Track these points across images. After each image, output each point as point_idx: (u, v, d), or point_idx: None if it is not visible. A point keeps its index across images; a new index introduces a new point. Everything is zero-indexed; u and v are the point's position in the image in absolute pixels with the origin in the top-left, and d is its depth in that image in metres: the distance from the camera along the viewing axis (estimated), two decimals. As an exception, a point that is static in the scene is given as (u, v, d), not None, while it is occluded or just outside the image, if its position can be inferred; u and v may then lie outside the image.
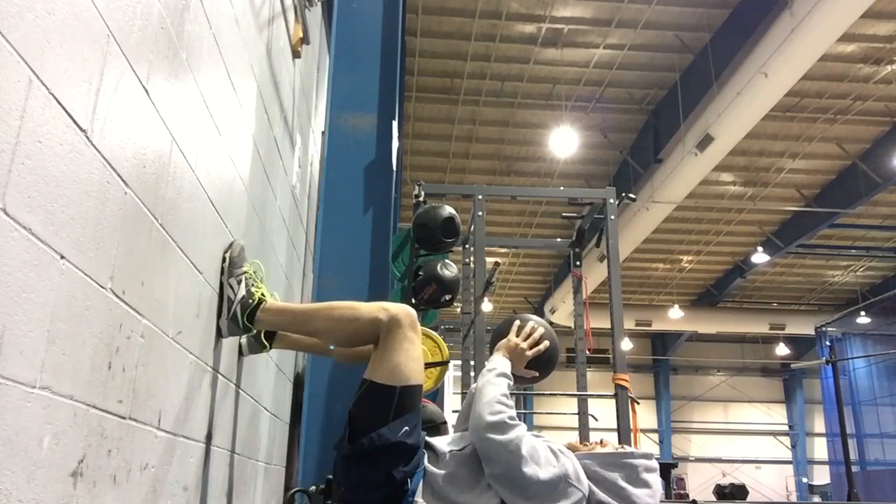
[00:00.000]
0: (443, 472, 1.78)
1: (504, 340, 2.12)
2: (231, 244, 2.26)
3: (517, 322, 2.17)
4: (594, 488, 1.78)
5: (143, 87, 1.52)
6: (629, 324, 17.69)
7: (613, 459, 1.85)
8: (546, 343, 2.13)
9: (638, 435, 3.41)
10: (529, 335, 2.12)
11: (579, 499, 1.73)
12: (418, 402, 1.83)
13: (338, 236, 3.18)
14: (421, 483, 1.74)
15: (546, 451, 1.77)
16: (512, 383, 1.98)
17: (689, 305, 19.14)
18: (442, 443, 1.89)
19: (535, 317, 2.22)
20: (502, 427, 1.76)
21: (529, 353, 2.10)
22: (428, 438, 1.88)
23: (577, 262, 4.42)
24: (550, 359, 2.16)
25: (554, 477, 1.72)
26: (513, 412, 1.83)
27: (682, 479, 21.11)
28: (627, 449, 1.94)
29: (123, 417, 1.47)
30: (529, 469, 1.71)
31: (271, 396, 3.32)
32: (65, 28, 1.19)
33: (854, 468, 9.23)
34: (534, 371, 2.13)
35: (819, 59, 8.40)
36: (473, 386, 2.03)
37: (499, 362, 2.03)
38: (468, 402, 2.03)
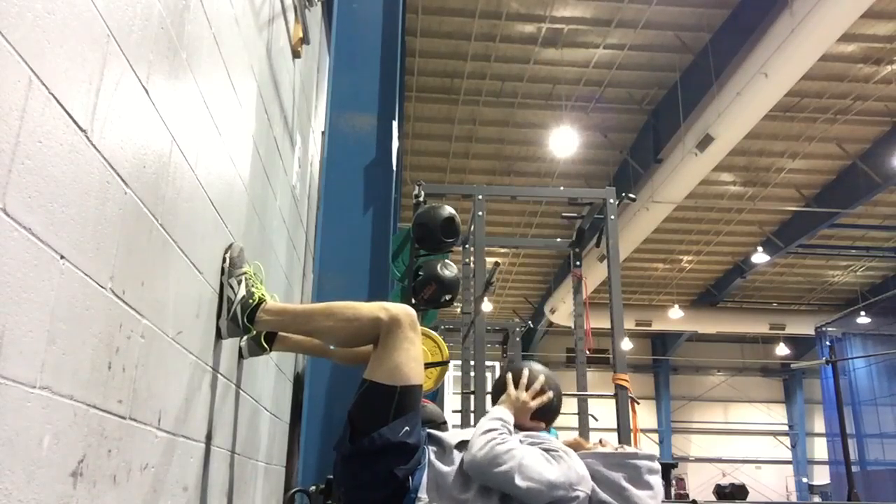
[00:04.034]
0: (449, 468, 1.77)
1: (504, 395, 2.00)
2: (231, 245, 2.26)
3: (509, 374, 2.05)
4: (596, 488, 1.78)
5: (143, 87, 1.52)
6: (629, 324, 17.67)
7: (617, 460, 1.84)
8: (549, 394, 2.02)
9: (638, 435, 3.41)
10: (530, 385, 2.01)
11: (581, 499, 1.72)
12: (418, 401, 1.83)
13: (338, 236, 3.18)
14: (424, 479, 1.74)
15: (540, 465, 1.72)
16: (511, 428, 1.89)
17: (689, 305, 19.13)
18: (449, 437, 1.88)
19: (534, 364, 2.10)
20: (495, 460, 1.71)
21: (533, 404, 1.98)
22: (434, 432, 1.87)
23: (577, 262, 4.42)
24: (555, 408, 2.05)
25: (552, 486, 1.70)
26: (502, 434, 1.77)
27: (682, 479, 21.09)
28: (630, 449, 1.93)
29: (123, 417, 1.47)
30: (526, 484, 1.68)
31: (271, 396, 3.32)
32: (65, 28, 1.19)
33: (854, 468, 9.21)
34: (540, 422, 2.01)
35: (819, 59, 8.39)
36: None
37: (498, 411, 1.93)
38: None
